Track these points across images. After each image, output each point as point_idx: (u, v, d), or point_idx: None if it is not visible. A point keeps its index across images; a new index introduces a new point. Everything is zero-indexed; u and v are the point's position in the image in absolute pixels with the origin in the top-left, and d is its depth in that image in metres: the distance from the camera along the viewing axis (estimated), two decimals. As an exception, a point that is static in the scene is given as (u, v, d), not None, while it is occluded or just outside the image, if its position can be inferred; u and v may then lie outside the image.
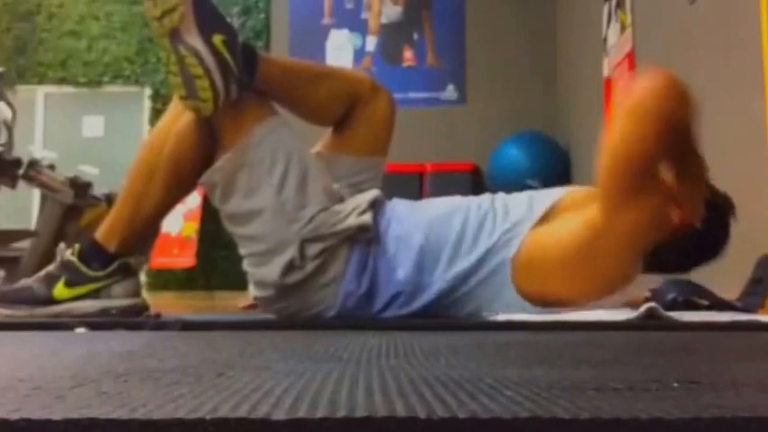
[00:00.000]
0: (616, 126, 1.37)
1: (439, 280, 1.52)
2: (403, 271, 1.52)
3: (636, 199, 1.37)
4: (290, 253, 1.51)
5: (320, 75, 1.72)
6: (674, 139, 1.34)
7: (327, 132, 1.72)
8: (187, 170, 1.59)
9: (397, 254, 1.53)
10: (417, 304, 1.53)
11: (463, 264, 1.51)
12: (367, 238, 1.53)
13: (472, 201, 1.61)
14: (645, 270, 1.52)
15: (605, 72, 4.61)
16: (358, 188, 1.62)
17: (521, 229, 1.50)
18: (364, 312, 1.54)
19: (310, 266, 1.52)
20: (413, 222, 1.56)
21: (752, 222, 2.64)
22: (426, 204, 1.66)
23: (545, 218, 1.51)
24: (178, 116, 1.57)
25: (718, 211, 1.51)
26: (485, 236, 1.52)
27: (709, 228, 1.46)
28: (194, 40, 1.46)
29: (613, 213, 1.38)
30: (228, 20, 1.58)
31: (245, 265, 1.61)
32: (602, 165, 1.39)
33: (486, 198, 1.62)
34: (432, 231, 1.54)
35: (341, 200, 1.57)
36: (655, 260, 1.47)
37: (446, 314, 1.55)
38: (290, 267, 1.51)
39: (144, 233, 1.65)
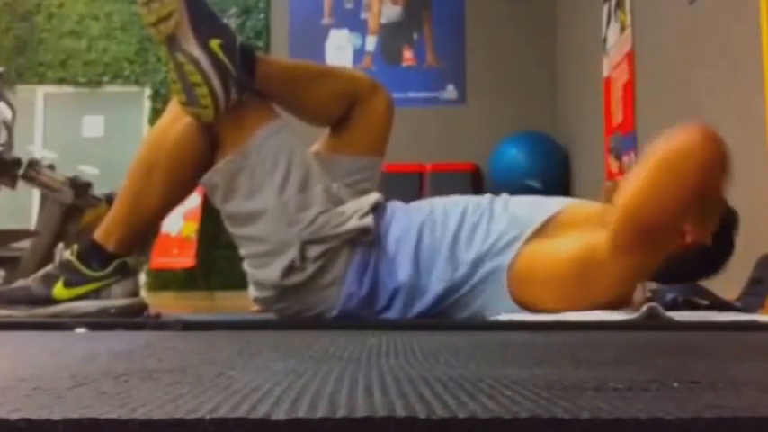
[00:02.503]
0: (647, 177, 1.33)
1: (436, 283, 1.52)
2: (403, 271, 1.52)
3: (648, 248, 1.36)
4: (291, 254, 1.51)
5: (319, 74, 1.72)
6: (702, 200, 1.32)
7: (325, 133, 1.73)
8: (187, 171, 1.59)
9: (397, 255, 1.53)
10: (416, 309, 1.53)
11: (458, 267, 1.51)
12: (368, 240, 1.53)
13: (470, 202, 1.60)
14: (649, 279, 1.52)
15: (605, 72, 4.61)
16: (355, 188, 1.62)
17: (518, 234, 1.49)
18: (365, 312, 1.54)
19: (311, 268, 1.52)
20: (412, 224, 1.56)
21: (752, 222, 2.64)
22: (425, 205, 1.66)
23: (546, 227, 1.50)
24: (178, 116, 1.57)
25: (725, 227, 1.49)
26: (479, 239, 1.52)
27: (716, 243, 1.46)
28: (191, 46, 1.45)
29: (621, 252, 1.36)
30: (226, 21, 1.58)
31: (245, 266, 1.61)
32: (624, 211, 1.35)
33: (484, 199, 1.61)
34: (427, 232, 1.54)
35: (341, 202, 1.57)
36: (659, 272, 1.47)
37: (443, 317, 1.55)
38: (290, 269, 1.52)
39: (143, 233, 1.65)
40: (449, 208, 1.58)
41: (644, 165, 1.36)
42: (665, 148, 1.33)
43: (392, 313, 1.54)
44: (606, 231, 1.39)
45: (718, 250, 1.52)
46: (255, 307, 1.89)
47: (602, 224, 1.41)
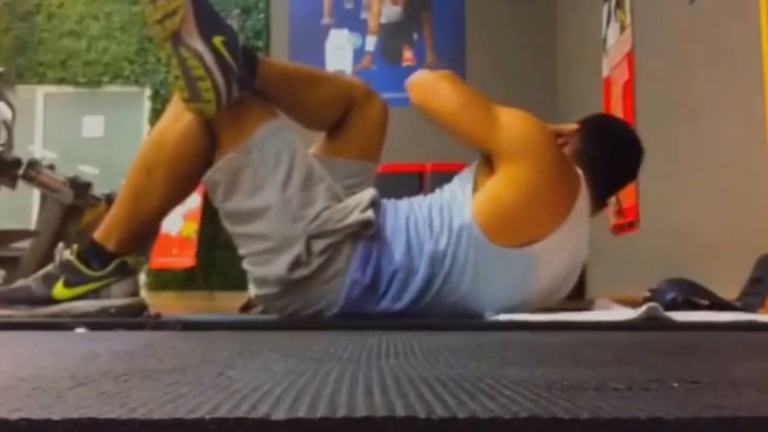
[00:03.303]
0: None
1: (425, 260, 1.56)
2: (398, 254, 1.57)
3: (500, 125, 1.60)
4: (297, 249, 1.53)
5: (317, 78, 1.75)
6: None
7: (321, 137, 1.75)
8: (188, 170, 1.59)
9: (393, 243, 1.58)
10: (411, 289, 1.56)
11: (438, 241, 1.57)
12: (370, 233, 1.55)
13: (440, 191, 1.70)
14: (599, 186, 1.68)
15: (605, 72, 4.61)
16: (351, 191, 1.65)
17: (463, 196, 1.60)
18: (367, 301, 1.56)
19: (316, 262, 1.54)
20: (398, 214, 1.62)
21: (752, 222, 2.64)
22: (414, 199, 1.70)
23: (480, 174, 1.64)
24: (179, 116, 1.57)
25: (598, 124, 1.85)
26: (445, 211, 1.61)
27: (601, 135, 1.76)
28: (195, 41, 1.47)
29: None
30: (228, 21, 1.59)
31: (246, 265, 1.62)
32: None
33: (446, 187, 1.71)
34: (411, 219, 1.61)
35: (341, 199, 1.59)
36: (598, 180, 1.67)
37: (448, 304, 1.58)
38: (296, 263, 1.53)
39: (143, 233, 1.65)
40: (418, 198, 1.69)
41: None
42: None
43: (390, 297, 1.57)
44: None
45: (605, 129, 1.83)
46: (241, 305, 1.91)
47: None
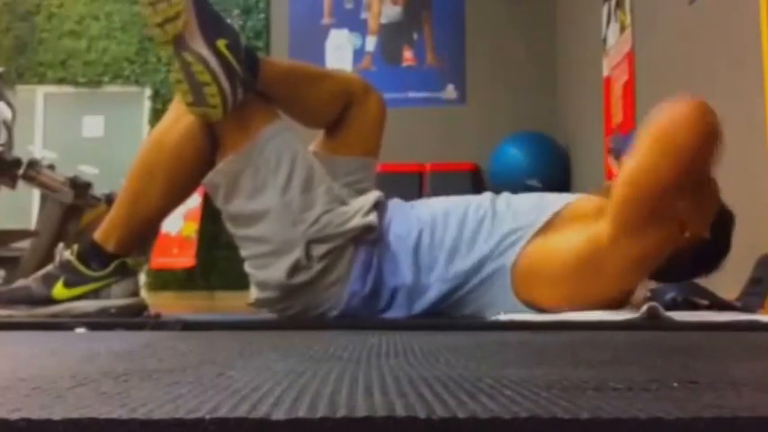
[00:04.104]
0: (641, 152, 1.34)
1: (438, 281, 1.52)
2: (403, 270, 1.53)
3: (648, 227, 1.35)
4: (296, 254, 1.51)
5: (317, 76, 1.74)
6: (698, 173, 1.32)
7: (319, 135, 1.75)
8: (188, 171, 1.59)
9: (398, 254, 1.54)
10: (418, 306, 1.53)
11: (461, 266, 1.51)
12: (372, 238, 1.54)
13: (472, 201, 1.60)
14: (649, 278, 1.52)
15: (605, 72, 4.61)
16: (353, 188, 1.64)
17: (522, 234, 1.49)
18: (368, 312, 1.55)
19: (316, 267, 1.52)
20: (412, 221, 1.57)
21: (752, 222, 2.64)
22: (426, 203, 1.66)
23: (549, 225, 1.49)
24: (179, 117, 1.57)
25: (722, 225, 1.49)
26: (482, 238, 1.51)
27: (713, 240, 1.44)
28: (199, 46, 1.45)
29: (622, 237, 1.36)
30: (229, 21, 1.58)
31: (247, 267, 1.61)
32: (621, 188, 1.36)
33: (486, 198, 1.61)
34: (428, 231, 1.54)
35: (343, 202, 1.58)
36: (660, 270, 1.47)
37: (446, 315, 1.55)
38: (296, 268, 1.52)
39: (143, 233, 1.65)
40: (450, 208, 1.58)
41: (640, 139, 1.36)
42: (659, 119, 1.34)
43: (393, 312, 1.55)
44: (606, 218, 1.38)
45: (716, 246, 1.51)
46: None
47: (603, 216, 1.41)
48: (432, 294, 1.52)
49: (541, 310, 1.47)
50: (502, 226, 1.51)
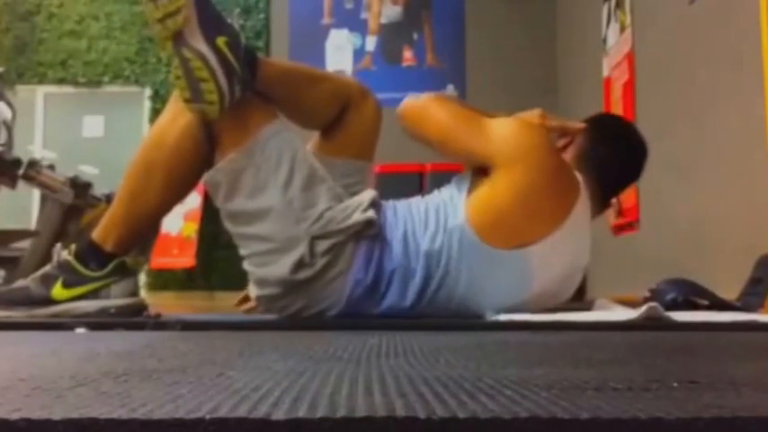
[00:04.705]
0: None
1: (421, 261, 1.56)
2: (396, 254, 1.57)
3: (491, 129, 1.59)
4: (300, 250, 1.53)
5: (315, 78, 1.75)
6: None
7: (315, 136, 1.76)
8: (187, 170, 1.59)
9: (392, 241, 1.58)
10: (411, 291, 1.56)
11: (427, 244, 1.57)
12: (372, 233, 1.56)
13: (438, 192, 1.70)
14: (603, 187, 1.68)
15: (605, 72, 4.61)
16: (348, 191, 1.65)
17: (458, 197, 1.60)
18: (368, 302, 1.56)
19: (320, 263, 1.54)
20: (397, 215, 1.62)
21: (752, 222, 2.64)
22: (413, 199, 1.70)
23: (476, 178, 1.62)
24: (177, 115, 1.57)
25: (605, 124, 1.82)
26: (438, 216, 1.60)
27: (607, 135, 1.74)
28: (198, 42, 1.45)
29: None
30: (229, 20, 1.58)
31: (247, 265, 1.61)
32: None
33: (444, 188, 1.71)
34: (408, 220, 1.61)
35: (341, 200, 1.59)
36: (600, 181, 1.66)
37: (448, 305, 1.58)
38: (300, 264, 1.53)
39: (141, 233, 1.65)
40: (416, 198, 1.69)
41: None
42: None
43: (391, 297, 1.57)
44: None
45: (611, 129, 1.80)
46: (243, 306, 1.90)
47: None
48: (418, 277, 1.56)
49: (515, 246, 1.53)
50: (445, 194, 1.66)
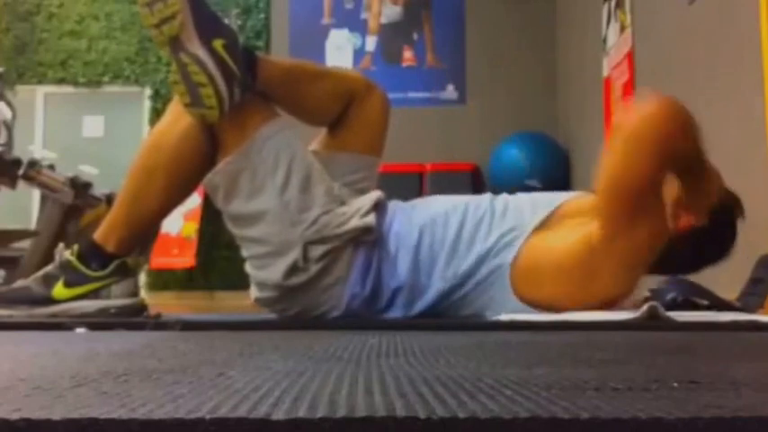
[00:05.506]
0: (614, 153, 1.38)
1: (438, 281, 1.52)
2: (403, 271, 1.53)
3: (634, 220, 1.37)
4: (294, 255, 1.51)
5: (318, 74, 1.73)
6: (675, 161, 1.34)
7: (322, 132, 1.73)
8: (188, 172, 1.58)
9: (398, 254, 1.54)
10: (418, 306, 1.53)
11: (461, 265, 1.51)
12: (371, 239, 1.53)
13: (471, 201, 1.60)
14: (653, 272, 1.51)
15: (605, 72, 4.61)
16: (354, 187, 1.63)
17: (520, 232, 1.50)
18: (368, 313, 1.55)
19: (314, 269, 1.52)
20: (412, 221, 1.57)
21: (752, 222, 2.64)
22: (426, 203, 1.66)
23: (547, 223, 1.51)
24: (179, 117, 1.56)
25: (726, 212, 1.49)
26: (481, 237, 1.52)
27: (717, 227, 1.46)
28: (195, 47, 1.44)
29: (611, 235, 1.38)
30: (227, 21, 1.57)
31: (248, 267, 1.61)
32: (600, 189, 1.40)
33: (485, 198, 1.61)
34: (428, 231, 1.55)
35: (342, 202, 1.57)
36: (662, 261, 1.45)
37: (446, 315, 1.55)
38: (293, 269, 1.52)
39: (143, 234, 1.65)
40: (450, 208, 1.59)
41: (612, 142, 1.40)
42: (624, 120, 1.40)
43: (394, 312, 1.55)
44: (596, 219, 1.41)
45: (720, 234, 1.52)
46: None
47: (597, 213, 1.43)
48: (431, 294, 1.52)
49: (542, 310, 1.47)
50: (500, 225, 1.52)
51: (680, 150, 1.33)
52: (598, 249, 1.39)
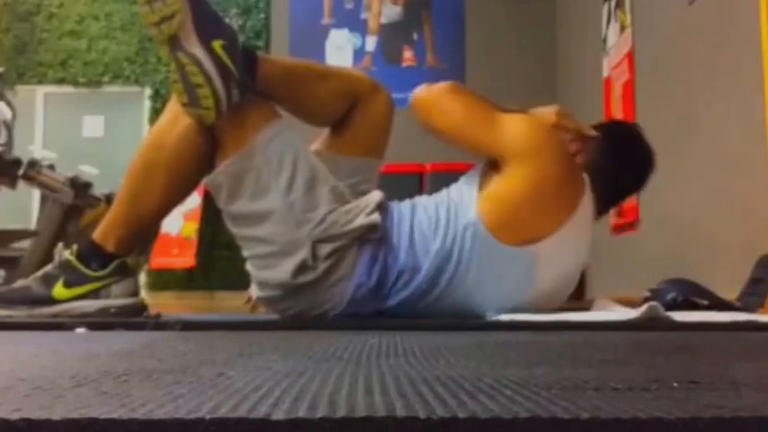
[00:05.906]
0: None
1: (426, 263, 1.56)
2: (402, 255, 1.56)
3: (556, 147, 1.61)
4: (302, 254, 1.51)
5: (321, 74, 1.72)
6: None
7: (324, 132, 1.73)
8: (187, 171, 1.58)
9: (399, 243, 1.57)
10: (414, 288, 1.56)
11: (438, 243, 1.56)
12: (376, 237, 1.54)
13: (446, 190, 1.69)
14: (603, 196, 1.67)
15: (605, 72, 4.61)
16: (355, 189, 1.63)
17: (469, 194, 1.60)
18: (372, 302, 1.56)
19: (322, 266, 1.53)
20: (405, 214, 1.61)
21: (752, 222, 2.64)
22: (418, 200, 1.68)
23: (483, 183, 1.62)
24: (178, 116, 1.56)
25: (619, 125, 1.89)
26: (449, 214, 1.60)
27: (616, 139, 1.74)
28: (194, 47, 1.44)
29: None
30: (227, 20, 1.57)
31: (249, 267, 1.61)
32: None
33: (452, 186, 1.70)
34: (416, 219, 1.60)
35: (346, 201, 1.57)
36: (604, 189, 1.67)
37: (451, 303, 1.58)
38: (302, 268, 1.52)
39: (142, 233, 1.65)
40: (431, 198, 1.68)
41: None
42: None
43: (396, 296, 1.56)
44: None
45: (623, 143, 1.75)
46: (249, 305, 1.89)
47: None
48: (426, 274, 1.55)
49: (526, 242, 1.54)
50: (456, 193, 1.65)
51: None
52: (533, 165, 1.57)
